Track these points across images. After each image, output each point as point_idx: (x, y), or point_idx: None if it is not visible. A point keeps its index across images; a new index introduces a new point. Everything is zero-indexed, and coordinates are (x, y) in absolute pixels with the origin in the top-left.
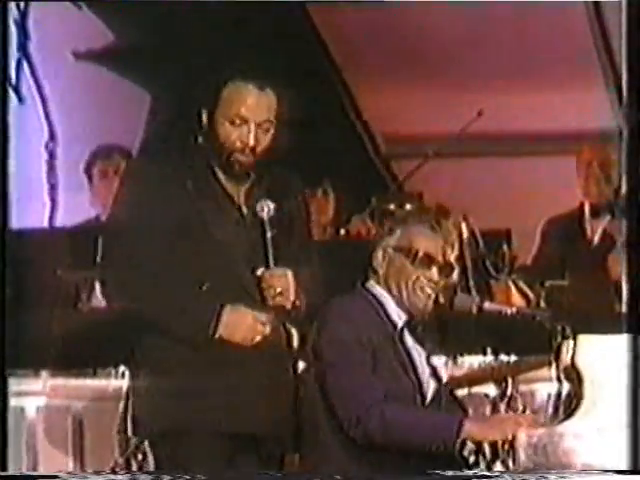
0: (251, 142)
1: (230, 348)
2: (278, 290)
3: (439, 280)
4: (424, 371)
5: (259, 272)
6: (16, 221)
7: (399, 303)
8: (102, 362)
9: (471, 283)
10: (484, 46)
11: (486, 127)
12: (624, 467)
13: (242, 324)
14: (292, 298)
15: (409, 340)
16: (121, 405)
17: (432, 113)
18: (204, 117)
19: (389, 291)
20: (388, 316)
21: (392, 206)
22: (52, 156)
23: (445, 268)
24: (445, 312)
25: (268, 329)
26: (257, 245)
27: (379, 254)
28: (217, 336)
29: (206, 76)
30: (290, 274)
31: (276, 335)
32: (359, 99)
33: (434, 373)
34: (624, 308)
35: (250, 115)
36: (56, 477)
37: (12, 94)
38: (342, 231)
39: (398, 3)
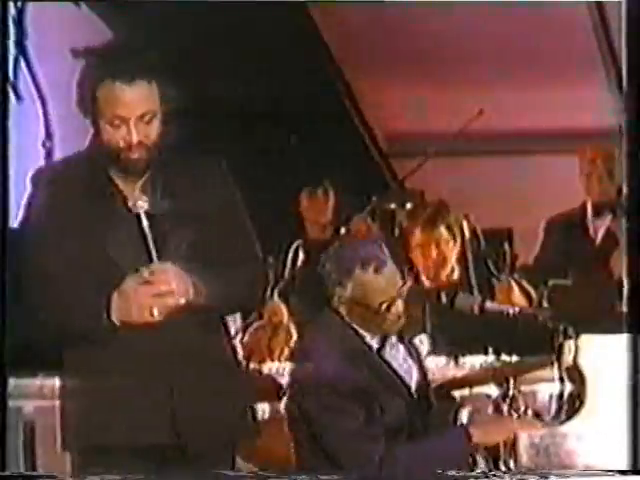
0: (134, 139)
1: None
2: (157, 289)
3: (405, 307)
4: (408, 372)
5: (142, 269)
6: (13, 220)
7: (369, 332)
8: None
9: (473, 282)
10: (485, 45)
11: (487, 126)
12: (625, 467)
13: (132, 300)
14: (178, 292)
15: (389, 355)
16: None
17: (433, 112)
18: (89, 121)
19: (356, 324)
20: (362, 339)
21: (393, 205)
22: (49, 154)
23: (401, 282)
24: (446, 311)
25: (168, 301)
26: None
27: (336, 300)
28: (114, 322)
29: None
30: (173, 269)
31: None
32: (360, 98)
33: (421, 370)
34: (624, 307)
35: (126, 112)
36: (54, 477)
37: (10, 92)
38: (342, 230)
39: (399, 2)
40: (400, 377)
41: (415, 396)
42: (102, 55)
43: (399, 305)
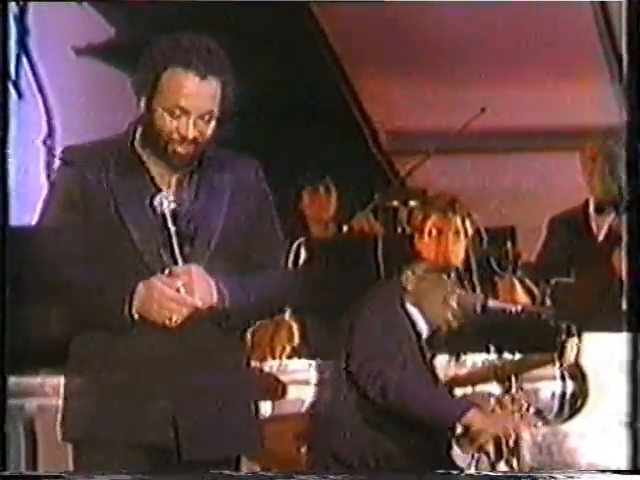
0: (190, 134)
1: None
2: (180, 289)
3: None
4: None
5: (166, 271)
6: (14, 218)
7: (426, 318)
8: None
9: (475, 280)
10: (487, 42)
11: (490, 123)
12: (625, 467)
13: (154, 299)
14: (199, 295)
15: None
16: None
17: (435, 109)
18: (142, 104)
19: (418, 306)
20: (414, 325)
21: (395, 202)
22: (51, 152)
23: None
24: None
25: (185, 311)
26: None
27: (407, 274)
28: (133, 315)
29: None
30: (196, 271)
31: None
32: (361, 95)
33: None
34: (624, 305)
35: (191, 105)
36: (60, 477)
37: (11, 89)
38: (345, 228)
39: (401, 1)
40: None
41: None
42: (177, 41)
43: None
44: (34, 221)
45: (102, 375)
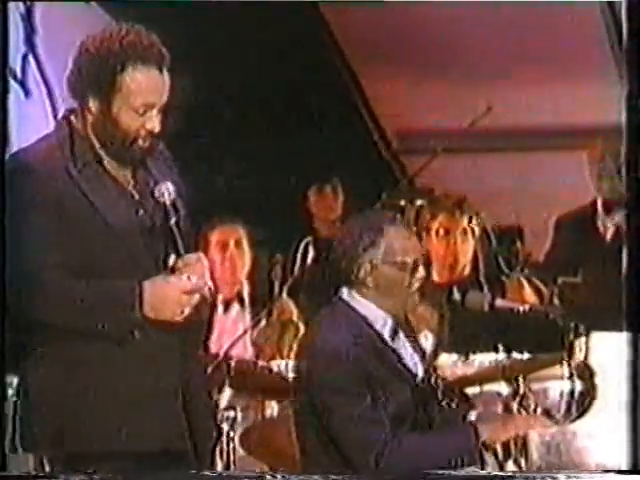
0: (157, 129)
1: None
2: (191, 284)
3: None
4: (415, 364)
5: (171, 261)
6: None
7: (388, 310)
8: None
9: (483, 280)
10: (494, 41)
11: (497, 123)
12: (626, 467)
13: (167, 296)
14: (209, 284)
15: (399, 341)
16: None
17: (442, 108)
18: (92, 105)
19: (377, 301)
20: (370, 325)
21: (402, 201)
22: None
23: (423, 259)
24: (457, 309)
25: (195, 298)
26: (160, 232)
27: (366, 268)
28: (143, 318)
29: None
30: (204, 258)
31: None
32: (369, 94)
33: (422, 361)
34: (624, 305)
35: (155, 99)
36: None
37: (18, 88)
38: None
39: (409, 2)
40: (408, 369)
41: (420, 391)
42: (125, 41)
43: (421, 270)
44: None
45: (107, 381)
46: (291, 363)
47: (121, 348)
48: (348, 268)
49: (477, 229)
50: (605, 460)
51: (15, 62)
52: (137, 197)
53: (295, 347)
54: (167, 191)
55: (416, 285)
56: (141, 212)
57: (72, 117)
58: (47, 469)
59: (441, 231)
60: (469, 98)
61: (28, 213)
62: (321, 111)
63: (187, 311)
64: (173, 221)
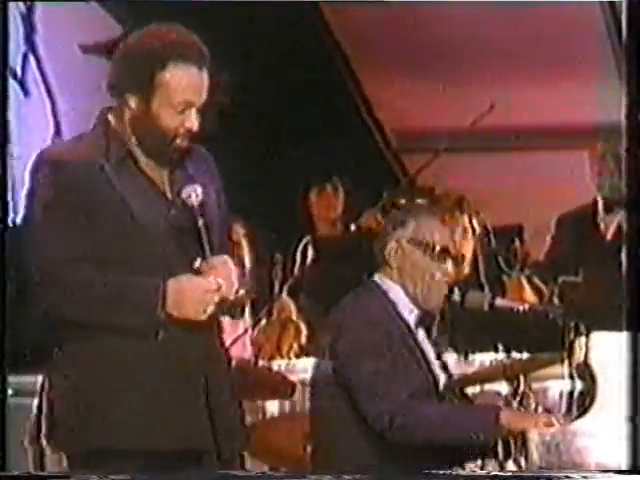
0: (195, 127)
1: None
2: (215, 283)
3: (453, 273)
4: (436, 366)
5: (197, 264)
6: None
7: (413, 298)
8: None
9: (483, 279)
10: (495, 41)
11: (498, 122)
12: (626, 467)
13: (191, 295)
14: (236, 287)
15: (421, 336)
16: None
17: (443, 107)
18: (132, 102)
19: (403, 285)
20: (398, 313)
21: (403, 201)
22: None
23: (458, 260)
24: (457, 308)
25: (217, 298)
26: (189, 233)
27: (392, 246)
28: (166, 316)
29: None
30: (230, 261)
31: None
32: (370, 94)
33: (444, 368)
34: (625, 305)
35: (195, 98)
36: (67, 477)
37: (18, 87)
38: (352, 226)
39: (409, 2)
40: (425, 357)
41: (440, 395)
42: (165, 37)
43: (449, 263)
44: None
45: (130, 381)
46: (292, 362)
47: (145, 346)
48: (377, 248)
49: (478, 228)
50: (605, 460)
51: (15, 61)
52: (169, 197)
53: (295, 347)
54: (194, 193)
55: (439, 276)
56: (172, 212)
57: (109, 115)
58: (66, 467)
59: None
60: (470, 98)
61: (58, 207)
62: (322, 110)
63: (210, 310)
64: (201, 223)
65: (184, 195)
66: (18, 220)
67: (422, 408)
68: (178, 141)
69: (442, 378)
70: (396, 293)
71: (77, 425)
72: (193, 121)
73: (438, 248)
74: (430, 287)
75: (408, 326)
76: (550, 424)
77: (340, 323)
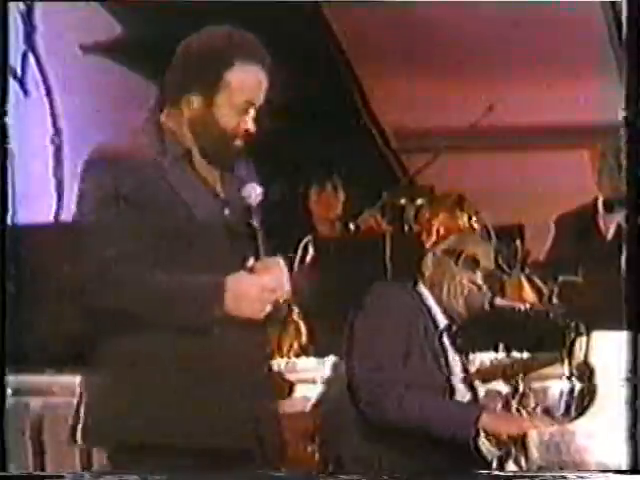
0: (252, 128)
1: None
2: (272, 282)
3: (482, 285)
4: (457, 376)
5: (250, 263)
6: (22, 216)
7: (439, 303)
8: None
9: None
10: (495, 40)
11: (498, 121)
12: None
13: (250, 293)
14: (286, 288)
15: (447, 343)
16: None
17: (443, 107)
18: (195, 102)
19: (431, 291)
20: (432, 316)
21: (403, 200)
22: (58, 150)
23: (492, 275)
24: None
25: (273, 297)
26: (241, 233)
27: (429, 258)
28: (223, 313)
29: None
30: (283, 263)
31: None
32: (370, 93)
33: (469, 383)
34: (624, 304)
35: (256, 98)
36: (62, 477)
37: (17, 87)
38: (352, 226)
39: (410, 2)
40: (449, 364)
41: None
42: (232, 38)
43: (479, 274)
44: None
45: (180, 376)
46: (291, 362)
47: (198, 343)
48: (417, 260)
49: (477, 228)
50: (605, 459)
51: (15, 60)
52: (223, 196)
53: (295, 346)
54: (254, 192)
55: (464, 282)
56: (226, 211)
57: (162, 114)
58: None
59: (441, 230)
60: (470, 97)
61: (116, 204)
62: (322, 110)
63: (268, 309)
64: (256, 223)
65: (244, 194)
66: (69, 217)
67: (406, 396)
68: (237, 142)
69: (465, 393)
70: (430, 299)
71: (123, 421)
72: (251, 122)
73: (465, 255)
74: (455, 294)
75: (437, 329)
76: (535, 427)
77: (360, 305)
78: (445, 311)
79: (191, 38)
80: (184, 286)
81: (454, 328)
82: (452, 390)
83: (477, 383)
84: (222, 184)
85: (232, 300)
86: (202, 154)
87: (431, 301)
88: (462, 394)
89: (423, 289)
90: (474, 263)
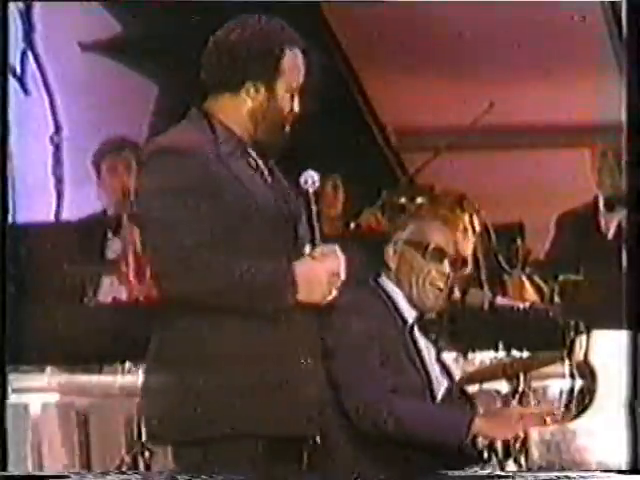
0: (297, 110)
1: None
2: (337, 267)
3: (450, 274)
4: (434, 368)
5: (307, 249)
6: (22, 215)
7: (409, 298)
8: (109, 358)
9: (483, 278)
10: (495, 39)
11: (498, 119)
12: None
13: (319, 278)
14: (343, 277)
15: (419, 337)
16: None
17: (443, 106)
18: (253, 90)
19: (399, 286)
20: (399, 311)
21: (403, 199)
22: (58, 149)
23: (457, 262)
24: (457, 307)
25: (340, 281)
26: (296, 220)
27: (390, 249)
28: (294, 298)
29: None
30: (339, 250)
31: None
32: (370, 92)
33: (446, 371)
34: (625, 303)
35: (300, 82)
36: (67, 477)
37: (17, 86)
38: (352, 225)
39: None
40: (422, 358)
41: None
42: (274, 25)
43: (446, 264)
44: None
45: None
46: None
47: (268, 329)
48: (380, 250)
49: (478, 227)
50: (605, 459)
51: (14, 59)
52: (274, 183)
53: None
54: (312, 179)
55: (433, 274)
56: (283, 199)
57: (207, 105)
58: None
59: None
60: (470, 96)
61: (183, 193)
62: (322, 108)
63: (334, 293)
64: (314, 210)
65: (302, 181)
66: (69, 217)
67: (398, 404)
68: (287, 128)
69: (443, 382)
70: (396, 293)
71: (189, 413)
72: (298, 106)
73: (432, 247)
74: (425, 287)
75: (406, 325)
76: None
77: (331, 316)
78: (415, 306)
79: (232, 27)
80: (255, 273)
81: (424, 321)
82: (430, 385)
83: (455, 372)
84: (270, 172)
85: (304, 286)
86: (253, 143)
87: (396, 294)
88: (439, 383)
89: (387, 283)
90: (441, 254)
